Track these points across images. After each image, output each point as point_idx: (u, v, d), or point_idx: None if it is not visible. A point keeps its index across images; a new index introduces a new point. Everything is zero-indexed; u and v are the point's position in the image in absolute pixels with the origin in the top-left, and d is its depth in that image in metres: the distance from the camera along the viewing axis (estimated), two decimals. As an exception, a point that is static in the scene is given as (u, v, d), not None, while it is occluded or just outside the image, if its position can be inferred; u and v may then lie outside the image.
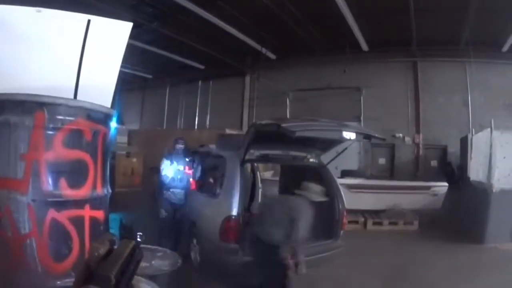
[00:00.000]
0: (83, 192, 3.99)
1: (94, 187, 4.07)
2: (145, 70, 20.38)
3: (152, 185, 9.65)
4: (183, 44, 16.28)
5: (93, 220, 4.09)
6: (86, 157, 3.98)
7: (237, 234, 5.71)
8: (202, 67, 19.67)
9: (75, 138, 3.87)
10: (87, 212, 4.03)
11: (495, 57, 15.59)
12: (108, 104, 4.33)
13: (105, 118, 4.15)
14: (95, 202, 4.10)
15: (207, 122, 19.66)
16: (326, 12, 13.35)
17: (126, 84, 19.63)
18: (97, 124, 4.02)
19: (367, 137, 6.56)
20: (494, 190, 9.76)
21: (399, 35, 15.33)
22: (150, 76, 21.10)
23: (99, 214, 4.18)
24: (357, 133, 6.07)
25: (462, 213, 10.98)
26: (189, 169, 7.77)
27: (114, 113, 4.35)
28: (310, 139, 6.50)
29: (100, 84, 4.28)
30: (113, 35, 4.38)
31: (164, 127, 20.67)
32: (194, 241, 6.88)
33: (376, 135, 6.53)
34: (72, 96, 4.07)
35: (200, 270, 6.58)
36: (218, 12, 13.53)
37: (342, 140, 6.26)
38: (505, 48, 15.02)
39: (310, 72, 17.72)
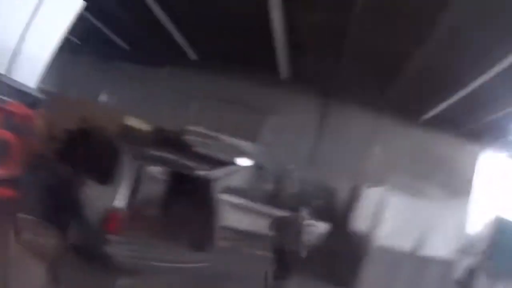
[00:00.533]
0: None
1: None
2: (74, 33, 20.14)
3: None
4: (116, 17, 16.19)
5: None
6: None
7: (119, 225, 6.03)
8: (127, 47, 19.95)
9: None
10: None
11: (413, 121, 17.36)
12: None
13: (34, 102, 4.42)
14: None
15: (115, 104, 19.70)
16: (257, 26, 13.38)
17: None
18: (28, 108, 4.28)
19: (258, 166, 7.55)
20: (374, 245, 10.90)
21: (321, 72, 16.26)
22: (77, 41, 20.85)
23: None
24: (249, 160, 6.98)
25: (338, 258, 11.66)
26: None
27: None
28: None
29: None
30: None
31: (77, 97, 20.38)
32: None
33: (267, 167, 7.51)
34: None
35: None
36: None
37: (233, 163, 7.08)
38: (426, 117, 16.92)
39: (223, 83, 18.10)
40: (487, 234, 12.62)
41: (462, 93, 13.43)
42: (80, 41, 19.96)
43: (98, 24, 17.20)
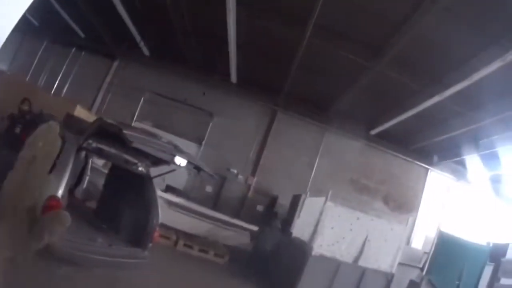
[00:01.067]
0: None
1: None
2: (34, 14, 19.95)
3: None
4: (75, 5, 16.25)
5: None
6: None
7: None
8: (82, 35, 19.88)
9: None
10: None
11: (360, 136, 18.19)
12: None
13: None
14: None
15: (64, 91, 19.76)
16: (213, 31, 14.48)
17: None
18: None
19: (197, 168, 7.97)
20: (313, 253, 10.88)
21: (271, 80, 17.13)
22: (36, 23, 20.60)
23: None
24: (189, 162, 7.43)
25: (276, 263, 12.17)
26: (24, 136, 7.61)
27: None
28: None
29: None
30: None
31: (27, 78, 20.21)
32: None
33: (206, 170, 7.82)
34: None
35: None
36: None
37: (172, 163, 7.44)
38: (374, 132, 17.59)
39: (174, 81, 18.79)
40: (429, 248, 12.92)
41: (411, 112, 14.32)
42: (39, 23, 20.01)
43: (58, 9, 17.23)
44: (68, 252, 5.95)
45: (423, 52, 11.74)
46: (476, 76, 10.50)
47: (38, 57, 20.50)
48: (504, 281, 11.99)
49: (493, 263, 12.36)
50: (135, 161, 8.00)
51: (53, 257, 5.75)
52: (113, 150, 7.48)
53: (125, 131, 6.15)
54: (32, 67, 20.33)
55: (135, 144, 6.09)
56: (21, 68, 20.32)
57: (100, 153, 7.66)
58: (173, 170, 8.26)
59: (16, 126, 8.48)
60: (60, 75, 19.91)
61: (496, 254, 12.29)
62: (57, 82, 19.85)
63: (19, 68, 20.35)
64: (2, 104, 10.10)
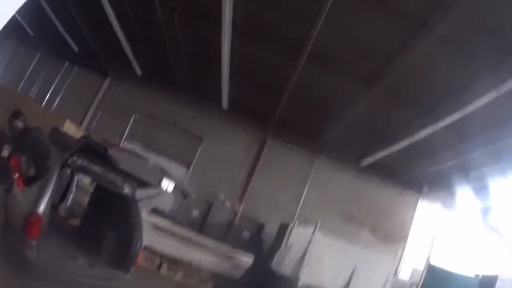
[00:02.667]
0: None
1: None
2: (29, 23, 20.01)
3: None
4: (71, 18, 16.25)
5: None
6: None
7: (39, 231, 5.88)
8: (76, 49, 19.88)
9: None
10: None
11: (350, 166, 18.22)
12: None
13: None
14: None
15: (55, 104, 19.65)
16: (207, 57, 14.51)
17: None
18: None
19: (184, 194, 7.89)
20: (299, 284, 10.91)
21: (262, 109, 17.15)
22: (31, 33, 20.64)
23: None
24: (175, 187, 7.37)
25: None
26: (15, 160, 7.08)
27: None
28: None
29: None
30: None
31: (19, 89, 20.12)
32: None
33: (193, 196, 7.85)
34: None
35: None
36: (116, 5, 13.84)
37: (158, 187, 7.34)
38: (364, 163, 17.59)
39: (164, 103, 18.77)
40: (417, 280, 13.04)
41: (403, 143, 14.28)
42: (34, 33, 20.03)
43: (54, 20, 17.21)
44: (47, 269, 5.80)
45: (416, 83, 11.78)
46: (470, 108, 10.46)
47: (31, 67, 20.49)
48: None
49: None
50: (121, 181, 7.72)
51: (30, 273, 5.57)
52: (98, 170, 7.31)
53: (110, 152, 6.07)
54: (25, 78, 20.30)
55: (121, 166, 6.00)
56: (13, 77, 20.32)
57: (85, 171, 7.53)
58: (159, 194, 8.16)
59: (2, 148, 7.13)
60: (52, 88, 19.87)
61: (485, 286, 12.22)
62: (48, 95, 19.80)
63: (11, 78, 20.34)
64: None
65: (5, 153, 6.99)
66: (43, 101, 19.29)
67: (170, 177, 7.28)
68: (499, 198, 15.22)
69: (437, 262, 12.84)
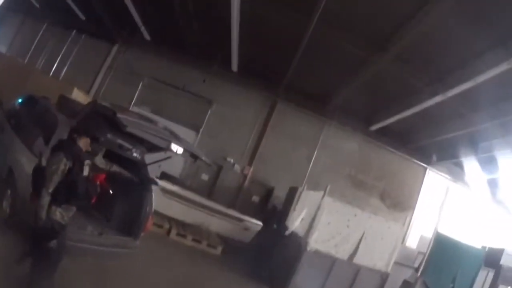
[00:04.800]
0: None
1: None
2: None
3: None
4: None
5: None
6: None
7: None
8: (83, 18, 19.51)
9: None
10: None
11: (360, 131, 17.96)
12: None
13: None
14: None
15: (63, 73, 19.45)
16: (217, 18, 14.06)
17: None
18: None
19: (194, 156, 7.67)
20: (308, 249, 10.70)
21: (273, 71, 16.77)
22: (37, 5, 20.29)
23: None
24: (185, 150, 7.13)
25: (270, 256, 11.84)
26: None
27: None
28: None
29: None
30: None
31: (26, 60, 19.94)
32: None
33: (203, 159, 7.56)
34: None
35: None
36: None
37: (168, 150, 7.15)
38: (374, 127, 17.37)
39: (173, 68, 18.40)
40: (424, 248, 12.92)
41: (412, 110, 14.05)
42: (40, 5, 19.75)
43: None
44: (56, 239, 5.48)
45: (428, 50, 11.39)
46: (481, 78, 10.18)
47: (38, 38, 20.29)
48: (502, 288, 11.86)
49: (487, 268, 12.24)
50: (130, 146, 7.69)
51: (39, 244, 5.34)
52: (108, 135, 7.12)
53: (119, 115, 5.83)
54: (32, 49, 20.10)
55: (130, 129, 5.83)
56: (21, 49, 20.12)
57: (93, 137, 7.28)
58: (169, 157, 8.00)
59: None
60: (59, 57, 19.64)
61: (491, 259, 12.14)
62: (55, 64, 19.57)
63: (18, 50, 20.15)
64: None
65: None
66: (51, 71, 19.02)
67: (180, 140, 6.99)
68: (507, 171, 15.00)
69: (444, 231, 12.68)
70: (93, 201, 5.70)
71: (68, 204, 5.28)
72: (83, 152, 5.48)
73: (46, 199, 5.01)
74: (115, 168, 8.00)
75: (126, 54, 18.99)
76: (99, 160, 7.44)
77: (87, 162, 5.49)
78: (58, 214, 5.19)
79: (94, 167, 6.17)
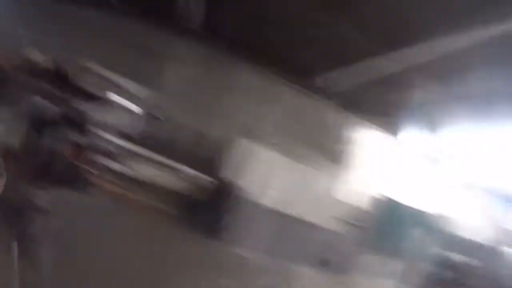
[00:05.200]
0: None
1: None
2: None
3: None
4: None
5: None
6: None
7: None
8: None
9: None
10: None
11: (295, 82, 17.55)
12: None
13: None
14: None
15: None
16: None
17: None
18: None
19: (153, 117, 7.52)
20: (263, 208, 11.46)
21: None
22: None
23: None
24: (143, 109, 6.98)
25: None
26: None
27: None
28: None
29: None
30: None
31: None
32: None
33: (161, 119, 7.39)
34: None
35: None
36: None
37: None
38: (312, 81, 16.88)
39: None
40: (373, 210, 13.40)
41: (364, 65, 13.61)
42: None
43: None
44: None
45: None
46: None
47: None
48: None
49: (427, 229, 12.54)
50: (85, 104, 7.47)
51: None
52: (62, 93, 6.62)
53: (77, 72, 5.79)
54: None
55: (86, 86, 5.76)
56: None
57: (48, 95, 6.73)
58: (126, 115, 7.89)
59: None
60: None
61: (429, 221, 12.38)
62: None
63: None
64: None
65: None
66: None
67: (139, 98, 6.93)
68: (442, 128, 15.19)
69: (384, 191, 12.74)
70: None
71: None
72: None
73: None
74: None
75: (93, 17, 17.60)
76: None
77: None
78: None
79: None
